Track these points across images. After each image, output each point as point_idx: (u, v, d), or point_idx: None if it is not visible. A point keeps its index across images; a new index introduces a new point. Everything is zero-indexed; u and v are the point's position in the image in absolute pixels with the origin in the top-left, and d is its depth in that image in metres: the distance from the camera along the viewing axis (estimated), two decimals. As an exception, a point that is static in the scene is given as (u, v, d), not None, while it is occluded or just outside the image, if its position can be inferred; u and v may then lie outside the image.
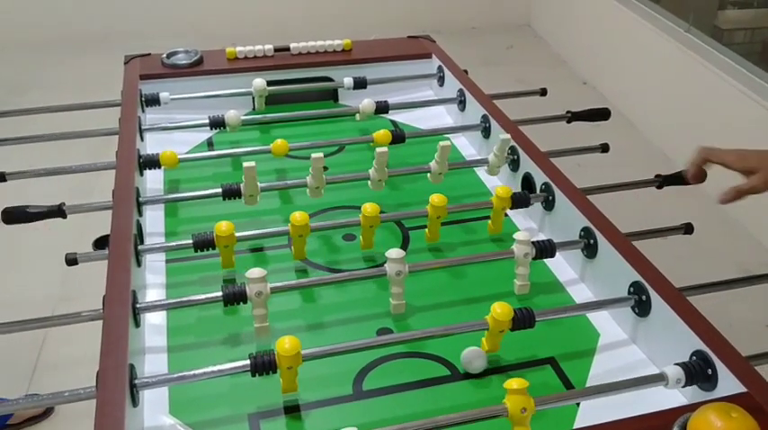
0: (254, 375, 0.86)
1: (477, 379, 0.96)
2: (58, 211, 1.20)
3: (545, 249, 1.10)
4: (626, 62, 3.61)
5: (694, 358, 0.89)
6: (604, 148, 1.51)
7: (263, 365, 0.86)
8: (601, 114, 1.60)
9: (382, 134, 1.40)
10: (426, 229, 1.21)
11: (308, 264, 1.18)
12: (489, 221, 1.23)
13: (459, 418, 0.79)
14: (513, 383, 0.79)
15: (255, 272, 0.98)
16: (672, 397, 0.91)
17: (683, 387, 0.87)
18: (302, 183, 1.28)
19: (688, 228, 1.29)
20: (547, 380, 0.96)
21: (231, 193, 1.24)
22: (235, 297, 0.97)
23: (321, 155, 1.22)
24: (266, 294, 0.97)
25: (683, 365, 0.87)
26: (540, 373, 0.97)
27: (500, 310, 0.93)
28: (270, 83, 1.60)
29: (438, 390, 0.94)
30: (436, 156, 1.30)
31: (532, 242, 1.10)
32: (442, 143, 1.28)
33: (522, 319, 0.94)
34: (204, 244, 1.09)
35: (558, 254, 1.18)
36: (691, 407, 0.76)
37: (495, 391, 0.94)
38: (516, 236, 1.09)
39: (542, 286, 1.14)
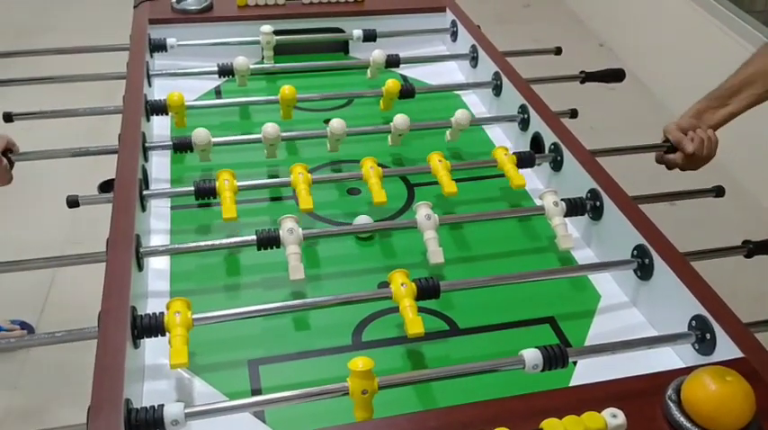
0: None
1: (475, 334, 0.97)
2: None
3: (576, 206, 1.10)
4: (644, 25, 3.54)
5: (694, 323, 0.89)
6: (573, 114, 1.48)
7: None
8: (615, 75, 1.58)
9: (392, 84, 1.38)
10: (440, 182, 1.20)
11: (313, 217, 1.18)
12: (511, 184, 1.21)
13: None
14: (359, 363, 0.75)
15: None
16: (669, 359, 0.91)
17: (542, 371, 0.81)
18: (309, 134, 1.27)
19: (719, 191, 1.30)
20: (545, 338, 0.96)
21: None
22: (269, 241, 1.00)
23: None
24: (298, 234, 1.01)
25: (542, 349, 0.81)
26: (539, 332, 0.98)
27: None
28: (280, 32, 1.58)
29: (436, 345, 0.95)
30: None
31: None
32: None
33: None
34: (205, 192, 1.09)
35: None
36: (687, 370, 0.76)
37: (493, 348, 0.95)
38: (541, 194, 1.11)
39: (545, 247, 1.14)
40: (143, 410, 0.73)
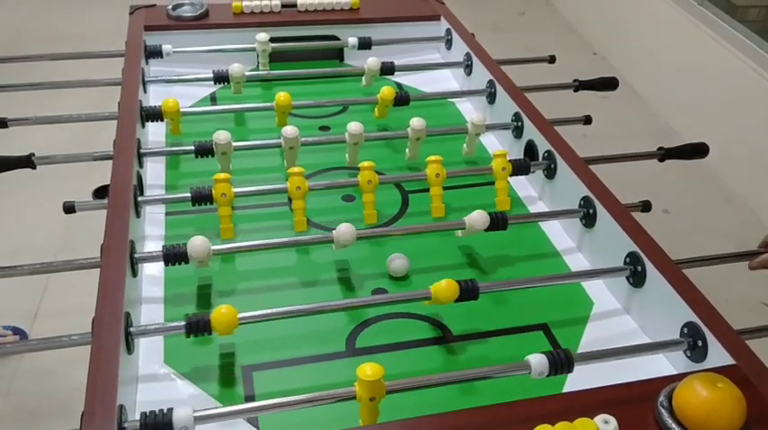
0: (188, 336, 0.86)
1: (469, 341, 0.97)
2: (27, 162, 1.21)
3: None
4: (637, 34, 3.56)
5: (686, 330, 0.89)
6: (587, 120, 1.49)
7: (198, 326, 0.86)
8: (608, 84, 1.59)
9: (387, 91, 1.39)
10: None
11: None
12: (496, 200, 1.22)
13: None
14: (367, 369, 0.75)
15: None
16: (661, 366, 0.91)
17: (548, 376, 0.81)
18: (304, 141, 1.28)
19: (645, 206, 1.29)
20: (538, 345, 0.97)
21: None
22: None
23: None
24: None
25: (548, 355, 0.81)
26: (532, 339, 0.98)
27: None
28: (275, 39, 1.59)
29: (430, 351, 0.95)
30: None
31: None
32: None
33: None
34: (202, 199, 1.09)
35: (556, 222, 1.19)
36: (678, 377, 0.77)
37: (487, 354, 0.95)
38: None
39: (539, 254, 1.14)
40: (152, 414, 0.73)
